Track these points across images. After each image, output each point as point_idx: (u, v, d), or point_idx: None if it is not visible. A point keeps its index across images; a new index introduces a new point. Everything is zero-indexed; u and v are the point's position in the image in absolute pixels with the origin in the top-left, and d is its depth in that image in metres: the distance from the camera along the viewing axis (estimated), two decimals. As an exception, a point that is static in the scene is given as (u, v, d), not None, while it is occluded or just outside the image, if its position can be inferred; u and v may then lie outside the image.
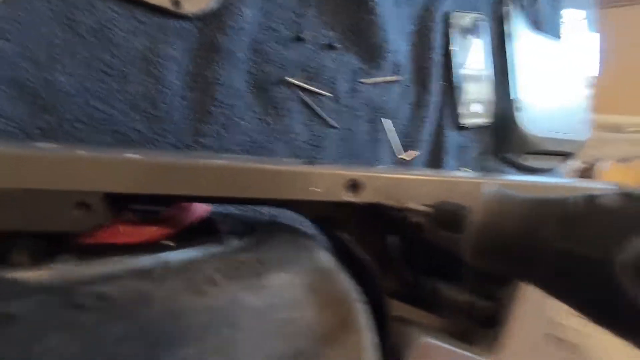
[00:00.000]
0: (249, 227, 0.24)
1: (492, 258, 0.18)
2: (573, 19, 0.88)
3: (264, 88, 0.49)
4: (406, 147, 0.62)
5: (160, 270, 0.12)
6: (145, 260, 0.13)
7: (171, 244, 0.21)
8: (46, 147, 0.19)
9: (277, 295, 0.14)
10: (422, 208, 0.22)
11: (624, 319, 0.13)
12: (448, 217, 0.20)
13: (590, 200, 0.15)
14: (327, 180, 0.23)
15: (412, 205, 0.22)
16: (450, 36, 0.66)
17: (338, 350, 0.14)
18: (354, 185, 0.23)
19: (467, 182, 0.26)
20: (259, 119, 0.49)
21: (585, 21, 0.91)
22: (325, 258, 0.20)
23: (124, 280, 0.11)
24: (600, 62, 0.95)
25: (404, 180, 0.24)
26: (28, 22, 0.36)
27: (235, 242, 0.18)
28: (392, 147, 0.61)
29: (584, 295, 0.14)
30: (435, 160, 0.66)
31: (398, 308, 0.29)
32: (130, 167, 0.21)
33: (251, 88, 0.48)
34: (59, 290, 0.10)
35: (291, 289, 0.15)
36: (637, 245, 0.13)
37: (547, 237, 0.15)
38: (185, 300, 0.11)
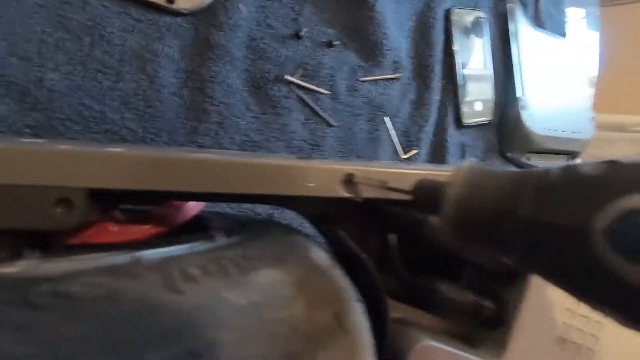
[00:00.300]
0: (240, 225, 0.23)
1: (470, 234, 0.17)
2: (575, 17, 0.87)
3: (261, 86, 0.48)
4: (407, 146, 0.61)
5: (132, 266, 0.11)
6: (117, 258, 0.12)
7: (149, 240, 0.20)
8: (25, 141, 0.19)
9: (264, 293, 0.13)
10: (402, 187, 0.21)
11: (603, 290, 0.12)
12: (427, 194, 0.19)
13: (570, 169, 0.14)
14: (323, 175, 0.22)
15: (393, 184, 0.21)
16: (452, 33, 0.65)
17: (332, 352, 0.13)
18: (350, 180, 0.22)
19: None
20: (256, 117, 0.48)
21: (587, 19, 0.90)
22: (319, 256, 0.19)
23: (89, 278, 0.10)
24: (602, 61, 0.94)
25: (401, 175, 0.23)
26: (17, 18, 0.35)
27: (222, 240, 0.17)
28: (392, 147, 0.60)
29: (563, 268, 0.13)
30: (436, 159, 0.65)
31: (398, 309, 0.28)
32: (115, 162, 0.20)
33: (248, 86, 0.48)
34: (16, 288, 0.09)
35: (280, 287, 0.14)
36: (612, 212, 0.12)
37: (524, 208, 0.14)
38: (160, 299, 0.10)
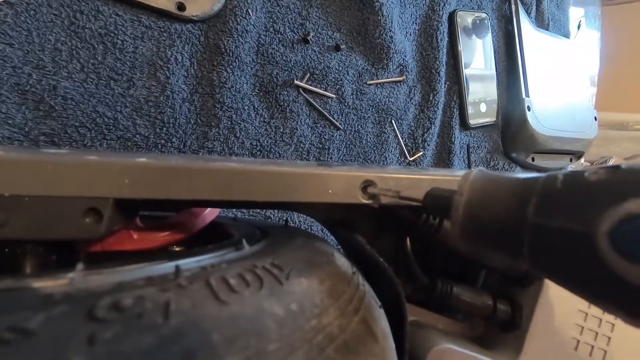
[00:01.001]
0: (261, 232, 0.23)
1: (479, 238, 0.17)
2: (577, 17, 0.88)
3: (270, 91, 0.49)
4: (413, 148, 0.62)
5: (176, 278, 0.12)
6: (159, 268, 0.12)
7: (181, 249, 0.20)
8: (53, 153, 0.19)
9: (300, 302, 0.13)
10: (415, 196, 0.21)
11: (607, 290, 0.13)
12: (437, 202, 0.20)
13: (574, 175, 0.14)
14: (343, 182, 0.22)
15: (406, 193, 0.22)
16: (456, 35, 0.65)
17: (364, 358, 0.14)
18: (368, 186, 0.23)
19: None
20: (265, 122, 0.49)
21: (588, 18, 0.90)
22: (343, 262, 0.19)
23: (140, 290, 0.11)
24: (602, 60, 0.94)
25: (416, 180, 0.23)
26: (32, 28, 0.35)
27: (249, 248, 0.17)
28: (399, 149, 0.60)
29: (569, 270, 0.14)
30: (442, 160, 0.65)
31: (415, 312, 0.29)
32: (141, 172, 0.20)
33: (257, 91, 0.48)
34: (78, 302, 0.10)
35: (314, 295, 0.14)
36: (615, 215, 0.12)
37: (532, 214, 0.15)
38: (208, 310, 0.11)
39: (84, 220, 0.19)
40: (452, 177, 0.26)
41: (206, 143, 0.45)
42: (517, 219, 0.15)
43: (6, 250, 0.19)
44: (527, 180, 0.16)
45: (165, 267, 0.13)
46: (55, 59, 0.37)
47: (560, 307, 0.29)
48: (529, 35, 0.73)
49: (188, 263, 0.13)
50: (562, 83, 0.80)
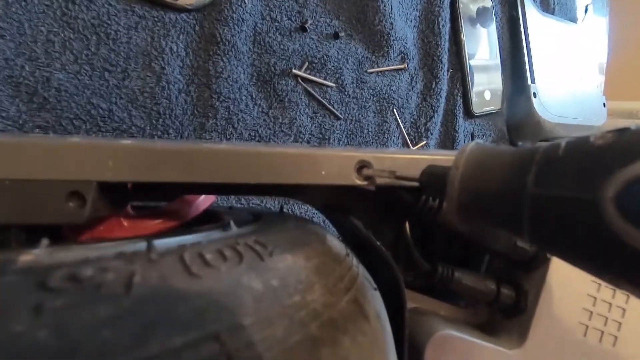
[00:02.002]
0: (252, 216, 0.23)
1: (476, 214, 0.16)
2: (584, 1, 0.86)
3: (268, 80, 0.48)
4: (416, 138, 0.60)
5: (147, 252, 0.11)
6: (131, 245, 0.12)
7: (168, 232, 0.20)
8: (34, 136, 0.18)
9: (282, 278, 0.12)
10: (410, 174, 0.20)
11: (614, 259, 0.12)
12: (433, 178, 0.19)
13: (579, 140, 0.13)
14: (336, 162, 0.22)
15: (401, 173, 0.21)
16: (459, 21, 0.64)
17: (354, 337, 0.13)
18: (363, 167, 0.22)
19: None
20: (264, 112, 0.48)
21: (596, 3, 0.88)
22: (335, 243, 0.19)
23: (104, 263, 0.10)
24: (611, 46, 0.92)
25: (413, 160, 0.22)
26: (24, 19, 0.35)
27: (236, 229, 0.17)
28: (401, 138, 0.59)
29: (572, 239, 0.13)
30: (445, 149, 0.64)
31: (416, 298, 0.28)
32: (125, 154, 0.19)
33: (254, 81, 0.47)
34: (32, 273, 0.09)
35: (298, 272, 0.13)
36: (621, 178, 0.11)
37: (530, 182, 0.13)
38: (176, 283, 0.10)
39: (67, 204, 0.18)
40: (452, 156, 0.25)
41: (204, 134, 0.44)
42: (516, 189, 0.14)
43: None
44: (526, 149, 0.15)
45: (140, 244, 0.12)
46: (48, 50, 0.36)
47: (567, 291, 0.28)
48: (534, 20, 0.72)
49: (164, 241, 0.13)
50: (569, 69, 0.78)
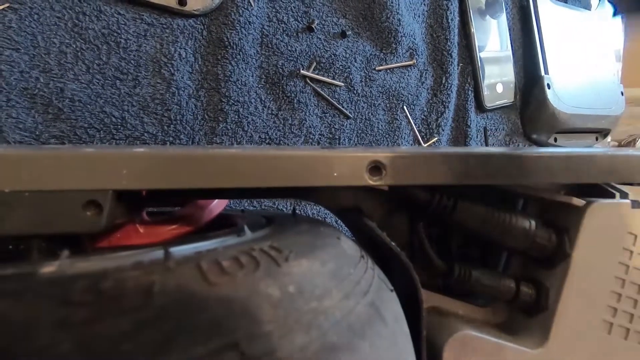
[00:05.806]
0: (267, 220, 0.23)
1: None
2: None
3: (276, 82, 0.48)
4: (427, 134, 0.60)
5: (165, 261, 0.11)
6: (149, 254, 0.12)
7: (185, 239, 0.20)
8: (51, 148, 0.19)
9: (300, 283, 0.12)
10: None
11: None
12: None
13: None
14: (348, 163, 0.21)
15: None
16: (468, 14, 0.63)
17: (372, 341, 0.13)
18: (375, 168, 0.22)
19: (498, 155, 0.24)
20: (273, 114, 0.48)
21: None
22: (350, 246, 0.18)
23: (123, 274, 0.10)
24: (627, 33, 0.89)
25: (426, 158, 0.22)
26: (37, 31, 0.36)
27: (251, 234, 0.17)
28: (412, 135, 0.58)
29: None
30: (458, 145, 0.63)
31: (434, 299, 0.27)
32: (139, 162, 0.19)
33: (263, 83, 0.47)
34: (54, 285, 0.09)
35: (314, 278, 0.13)
36: None
37: None
38: (194, 291, 0.10)
39: (84, 213, 0.18)
40: (466, 152, 0.24)
41: (214, 138, 0.44)
42: None
43: (9, 247, 0.19)
44: None
45: (157, 253, 0.12)
46: (61, 61, 0.37)
47: (589, 288, 0.27)
48: (546, 8, 0.70)
49: (181, 249, 0.13)
50: (584, 58, 0.75)
